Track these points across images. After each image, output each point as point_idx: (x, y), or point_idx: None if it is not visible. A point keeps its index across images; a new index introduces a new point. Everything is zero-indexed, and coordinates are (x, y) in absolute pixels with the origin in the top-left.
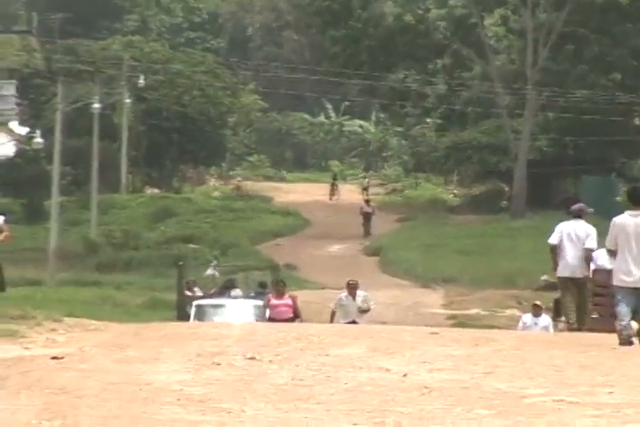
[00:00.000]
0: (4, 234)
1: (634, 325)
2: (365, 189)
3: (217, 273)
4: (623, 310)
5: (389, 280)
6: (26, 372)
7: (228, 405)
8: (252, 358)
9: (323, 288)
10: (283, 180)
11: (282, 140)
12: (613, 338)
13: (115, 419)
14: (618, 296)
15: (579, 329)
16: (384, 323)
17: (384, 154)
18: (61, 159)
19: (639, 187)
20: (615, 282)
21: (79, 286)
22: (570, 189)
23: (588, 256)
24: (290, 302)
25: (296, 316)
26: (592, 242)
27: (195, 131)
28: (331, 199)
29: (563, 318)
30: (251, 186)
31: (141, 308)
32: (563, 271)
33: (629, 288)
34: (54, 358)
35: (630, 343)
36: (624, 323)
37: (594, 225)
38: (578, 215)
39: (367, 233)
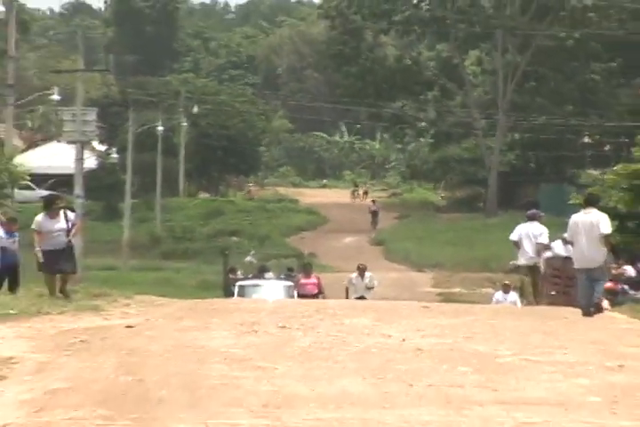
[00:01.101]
0: (76, 226)
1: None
2: (365, 193)
3: (254, 260)
4: (581, 291)
5: (390, 265)
6: (105, 338)
7: (263, 364)
8: (282, 327)
9: (338, 271)
10: (325, 186)
11: (305, 155)
12: (566, 310)
13: (175, 375)
14: (577, 277)
15: (536, 303)
16: (386, 299)
17: (386, 166)
18: (132, 170)
19: (592, 194)
20: (574, 265)
21: (146, 270)
22: (531, 195)
23: (539, 249)
24: (315, 281)
25: (320, 292)
26: (544, 238)
27: (236, 148)
28: (354, 201)
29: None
30: (284, 191)
31: (195, 288)
32: (521, 261)
33: (582, 269)
34: (127, 326)
35: (590, 315)
36: (584, 302)
37: (549, 222)
38: (532, 218)
39: (374, 227)
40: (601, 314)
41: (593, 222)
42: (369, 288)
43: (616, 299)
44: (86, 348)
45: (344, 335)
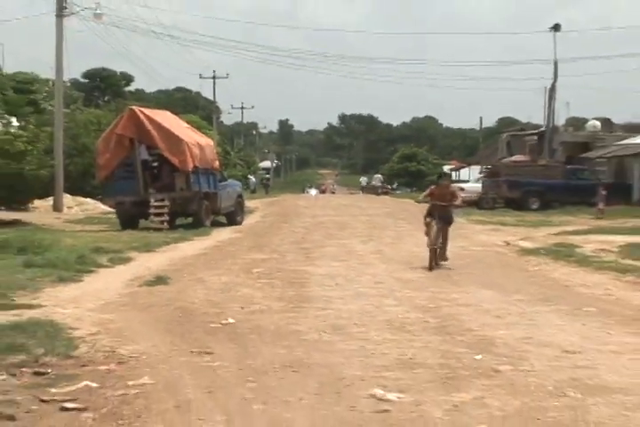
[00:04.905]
0: (271, 180)
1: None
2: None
3: (310, 184)
4: (375, 192)
5: (340, 186)
6: (271, 203)
7: (312, 210)
8: (316, 199)
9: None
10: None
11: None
12: (373, 195)
13: (288, 212)
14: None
15: (369, 194)
16: (337, 193)
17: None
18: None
19: (378, 173)
20: (374, 183)
21: (281, 189)
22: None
23: (368, 182)
24: (326, 187)
25: (327, 190)
26: (368, 180)
27: (301, 166)
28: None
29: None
30: (318, 171)
31: (294, 192)
32: (363, 185)
33: (373, 186)
34: (270, 203)
35: (379, 195)
36: (375, 194)
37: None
38: (367, 175)
39: (336, 177)
40: (383, 196)
41: (379, 177)
42: (335, 190)
43: (390, 193)
44: (269, 203)
45: (330, 201)
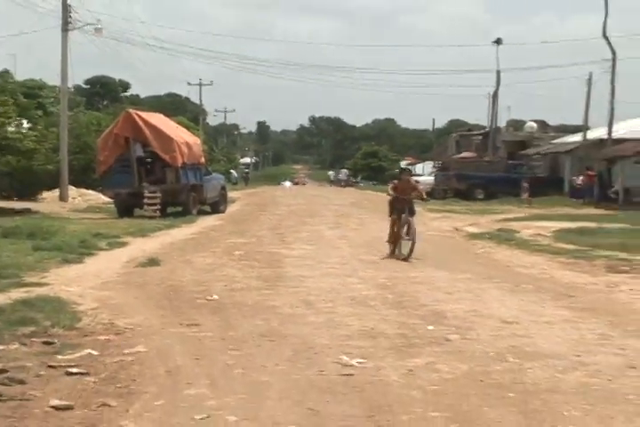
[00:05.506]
0: (249, 173)
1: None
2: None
3: (286, 178)
4: (343, 183)
5: (312, 181)
6: (255, 193)
7: (286, 199)
8: (290, 190)
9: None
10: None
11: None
12: (344, 188)
13: (266, 199)
14: (341, 180)
15: (337, 186)
16: (309, 185)
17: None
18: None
19: (343, 167)
20: (340, 177)
21: (260, 182)
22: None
23: (336, 176)
24: (299, 180)
25: (302, 183)
26: (336, 174)
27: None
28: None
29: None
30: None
31: (271, 184)
32: (332, 179)
33: (339, 179)
34: (250, 194)
35: (344, 187)
36: (340, 186)
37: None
38: (336, 170)
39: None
40: (348, 188)
41: (345, 171)
42: (306, 183)
43: (355, 186)
44: (249, 194)
45: (302, 193)
